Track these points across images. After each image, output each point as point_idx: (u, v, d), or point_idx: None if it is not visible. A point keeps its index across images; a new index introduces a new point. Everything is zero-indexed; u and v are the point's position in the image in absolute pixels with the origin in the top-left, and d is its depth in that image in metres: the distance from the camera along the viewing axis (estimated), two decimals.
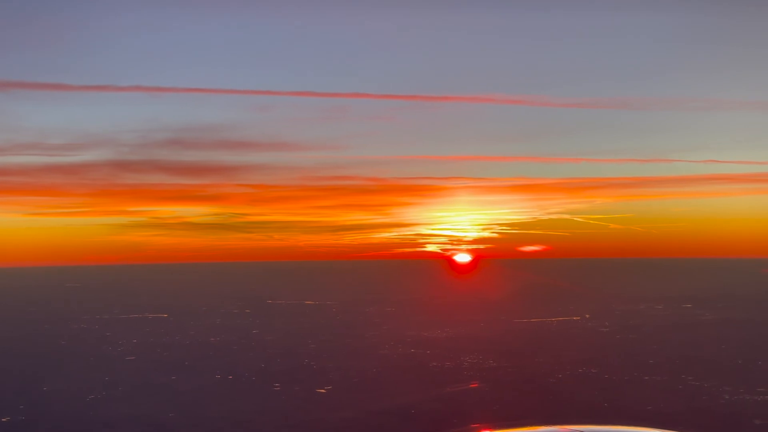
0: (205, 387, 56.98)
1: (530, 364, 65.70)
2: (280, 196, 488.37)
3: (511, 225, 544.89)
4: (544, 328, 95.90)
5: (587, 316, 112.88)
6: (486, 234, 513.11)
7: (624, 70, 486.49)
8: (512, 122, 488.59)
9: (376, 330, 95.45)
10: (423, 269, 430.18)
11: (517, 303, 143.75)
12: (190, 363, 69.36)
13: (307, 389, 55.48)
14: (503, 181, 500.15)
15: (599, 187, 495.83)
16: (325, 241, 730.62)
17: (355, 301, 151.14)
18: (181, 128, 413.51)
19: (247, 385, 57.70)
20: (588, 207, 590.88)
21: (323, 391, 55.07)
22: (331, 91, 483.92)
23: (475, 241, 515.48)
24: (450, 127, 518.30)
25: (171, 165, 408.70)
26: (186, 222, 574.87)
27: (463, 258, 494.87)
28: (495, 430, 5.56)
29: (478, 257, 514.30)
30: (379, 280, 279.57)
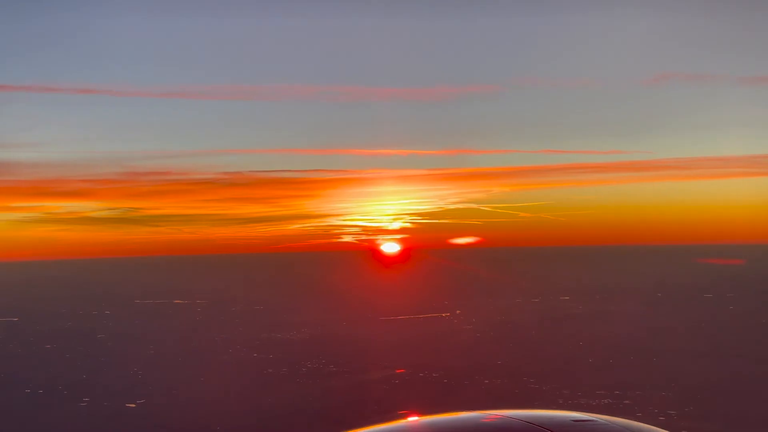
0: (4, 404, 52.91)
1: (370, 368, 64.02)
2: (158, 190, 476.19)
3: (421, 215, 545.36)
4: (405, 327, 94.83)
5: (458, 312, 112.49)
6: (400, 224, 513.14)
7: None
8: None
9: (230, 331, 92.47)
10: (346, 261, 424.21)
11: (397, 298, 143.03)
12: (5, 377, 64.79)
13: (116, 405, 52.26)
14: (391, 172, 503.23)
15: (494, 176, 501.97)
16: (237, 233, 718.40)
17: (227, 299, 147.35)
18: None
19: (55, 400, 54.05)
20: (487, 196, 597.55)
21: (133, 405, 51.85)
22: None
23: (391, 231, 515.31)
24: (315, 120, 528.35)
25: None
26: (85, 217, 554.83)
27: (390, 248, 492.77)
28: (424, 416, 5.72)
29: (409, 248, 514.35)
30: (281, 274, 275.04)
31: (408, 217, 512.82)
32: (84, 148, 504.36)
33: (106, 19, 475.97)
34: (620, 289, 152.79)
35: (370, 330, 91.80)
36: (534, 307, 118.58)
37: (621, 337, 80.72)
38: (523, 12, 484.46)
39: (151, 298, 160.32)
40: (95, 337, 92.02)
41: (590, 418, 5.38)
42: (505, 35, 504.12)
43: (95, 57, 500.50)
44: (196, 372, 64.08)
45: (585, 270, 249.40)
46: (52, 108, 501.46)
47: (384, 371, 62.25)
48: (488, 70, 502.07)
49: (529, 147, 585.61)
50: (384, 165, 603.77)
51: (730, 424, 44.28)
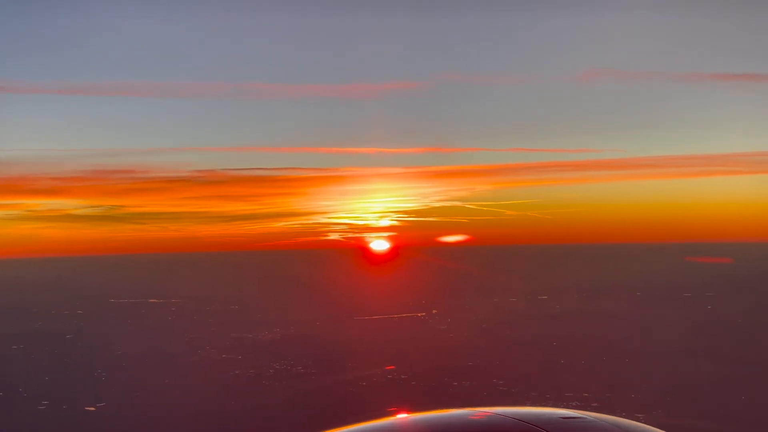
0: None
1: (336, 370, 63.52)
2: (135, 188, 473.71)
3: (407, 212, 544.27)
4: (378, 327, 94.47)
5: (434, 311, 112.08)
6: (387, 222, 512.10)
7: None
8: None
9: (201, 332, 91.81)
10: (332, 259, 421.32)
11: (376, 297, 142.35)
12: None
13: (75, 408, 51.56)
14: (369, 170, 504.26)
15: (475, 174, 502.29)
16: (223, 230, 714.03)
17: (203, 298, 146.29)
18: None
19: (14, 402, 53.29)
20: (470, 194, 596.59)
21: (92, 409, 51.17)
22: None
23: (378, 228, 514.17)
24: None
25: None
26: (68, 214, 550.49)
27: (379, 246, 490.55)
28: (415, 413, 5.59)
29: (397, 246, 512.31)
30: (264, 272, 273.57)
31: (394, 215, 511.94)
32: (51, 146, 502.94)
33: (79, 17, 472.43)
34: (600, 289, 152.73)
35: (343, 330, 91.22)
36: (511, 307, 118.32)
37: (594, 338, 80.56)
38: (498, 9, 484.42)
39: (127, 297, 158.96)
40: (63, 337, 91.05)
41: (579, 415, 5.36)
42: (462, 33, 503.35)
43: (66, 55, 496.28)
44: (161, 374, 63.41)
45: (566, 269, 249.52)
46: (18, 106, 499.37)
47: (350, 374, 61.83)
48: (424, 66, 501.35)
49: (498, 145, 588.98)
50: (362, 163, 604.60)
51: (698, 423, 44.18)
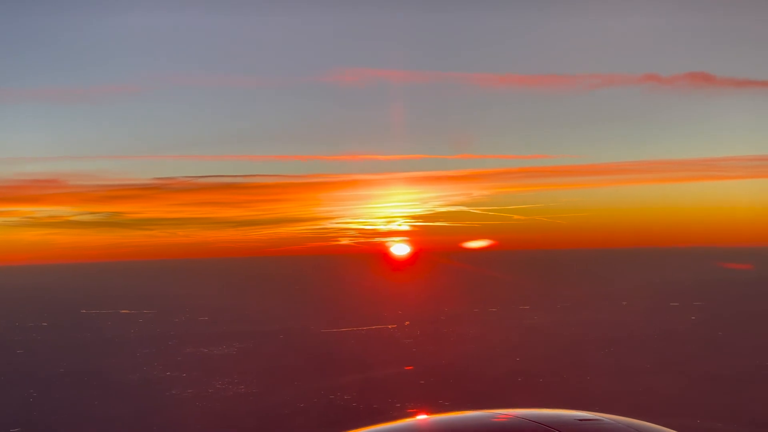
0: None
1: (280, 389, 60.97)
2: (125, 195, 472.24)
3: (415, 218, 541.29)
4: (342, 341, 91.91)
5: (406, 323, 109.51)
6: (397, 227, 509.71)
7: None
8: None
9: (156, 346, 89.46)
10: (344, 265, 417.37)
11: (357, 306, 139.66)
12: None
13: None
14: (360, 177, 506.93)
15: (471, 179, 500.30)
16: (233, 236, 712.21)
17: (176, 309, 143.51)
18: None
19: None
20: (470, 199, 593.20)
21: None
22: None
23: (391, 233, 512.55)
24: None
25: None
26: (71, 221, 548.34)
27: (399, 250, 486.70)
28: (434, 415, 5.90)
29: (417, 251, 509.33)
30: (260, 280, 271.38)
31: (402, 220, 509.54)
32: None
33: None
34: (585, 298, 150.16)
35: (303, 344, 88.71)
36: (488, 318, 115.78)
37: (564, 352, 77.96)
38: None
39: (99, 307, 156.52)
40: (14, 352, 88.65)
41: (596, 417, 5.42)
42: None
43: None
44: (94, 394, 61.05)
45: (563, 276, 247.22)
46: None
47: (291, 393, 59.25)
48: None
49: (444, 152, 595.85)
50: (351, 170, 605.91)
51: None
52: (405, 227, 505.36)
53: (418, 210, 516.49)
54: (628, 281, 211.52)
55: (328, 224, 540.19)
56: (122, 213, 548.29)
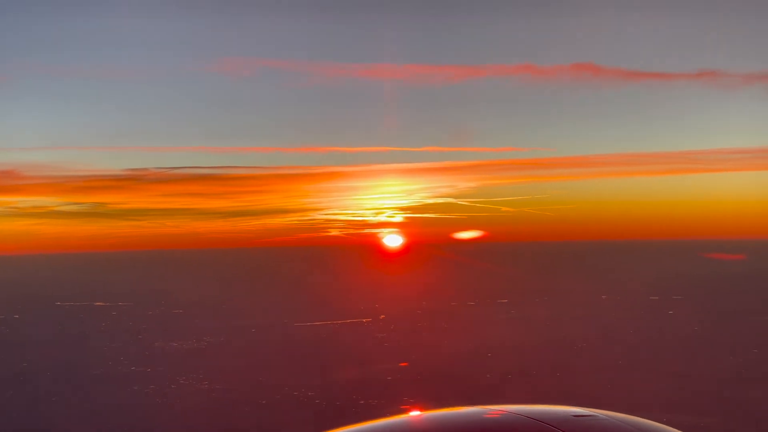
0: None
1: (244, 386, 60.17)
2: (112, 185, 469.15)
3: (404, 209, 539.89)
4: (313, 335, 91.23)
5: (382, 317, 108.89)
6: (385, 218, 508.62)
7: None
8: None
9: (125, 340, 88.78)
10: (333, 256, 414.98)
11: (335, 299, 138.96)
12: None
13: None
14: (343, 169, 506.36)
15: (457, 170, 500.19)
16: (222, 227, 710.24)
17: (152, 302, 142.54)
18: None
19: None
20: (455, 191, 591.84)
21: None
22: None
23: (380, 224, 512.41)
24: None
25: None
26: (54, 211, 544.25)
27: (390, 241, 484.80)
28: (428, 411, 5.75)
29: (412, 241, 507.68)
30: (242, 271, 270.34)
31: (390, 212, 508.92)
32: None
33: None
34: (564, 292, 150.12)
35: (274, 339, 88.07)
36: (466, 312, 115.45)
37: (535, 349, 77.36)
38: None
39: (75, 299, 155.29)
40: None
41: (590, 413, 5.38)
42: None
43: None
44: (51, 390, 60.10)
45: (548, 268, 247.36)
46: None
47: (257, 390, 58.60)
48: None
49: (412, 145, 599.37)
50: (330, 162, 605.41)
51: None
52: (398, 218, 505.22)
53: (405, 202, 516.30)
54: (613, 274, 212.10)
55: (317, 215, 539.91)
56: (106, 203, 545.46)
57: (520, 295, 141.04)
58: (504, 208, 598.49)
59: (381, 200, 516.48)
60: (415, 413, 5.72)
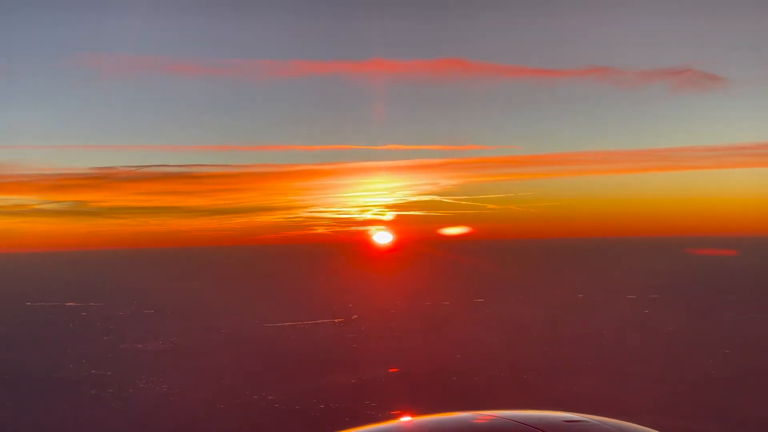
0: None
1: (207, 389, 59.17)
2: (87, 183, 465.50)
3: (389, 207, 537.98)
4: (282, 336, 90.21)
5: (354, 317, 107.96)
6: (371, 216, 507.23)
7: None
8: None
9: (90, 341, 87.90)
10: (319, 254, 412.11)
11: (308, 298, 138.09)
12: None
13: None
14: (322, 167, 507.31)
15: (440, 168, 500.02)
16: (207, 224, 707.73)
17: (124, 302, 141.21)
18: None
19: None
20: (438, 189, 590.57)
21: None
22: None
23: (366, 222, 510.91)
24: None
25: None
26: (37, 209, 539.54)
27: (380, 239, 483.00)
28: (418, 416, 5.80)
29: (402, 239, 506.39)
30: (222, 269, 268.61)
31: (377, 209, 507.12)
32: None
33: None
34: (543, 290, 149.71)
35: (241, 340, 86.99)
36: (442, 311, 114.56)
37: (505, 351, 76.57)
38: None
39: (46, 300, 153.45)
40: None
41: (582, 418, 5.37)
42: None
43: None
44: (6, 396, 58.81)
45: (532, 265, 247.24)
46: None
47: (217, 393, 57.53)
48: None
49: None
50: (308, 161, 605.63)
51: None
52: (389, 216, 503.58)
53: (390, 199, 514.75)
54: (592, 272, 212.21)
55: (303, 213, 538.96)
56: (87, 202, 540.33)
57: (497, 294, 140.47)
58: (490, 206, 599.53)
59: (365, 198, 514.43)
60: (405, 419, 5.69)
